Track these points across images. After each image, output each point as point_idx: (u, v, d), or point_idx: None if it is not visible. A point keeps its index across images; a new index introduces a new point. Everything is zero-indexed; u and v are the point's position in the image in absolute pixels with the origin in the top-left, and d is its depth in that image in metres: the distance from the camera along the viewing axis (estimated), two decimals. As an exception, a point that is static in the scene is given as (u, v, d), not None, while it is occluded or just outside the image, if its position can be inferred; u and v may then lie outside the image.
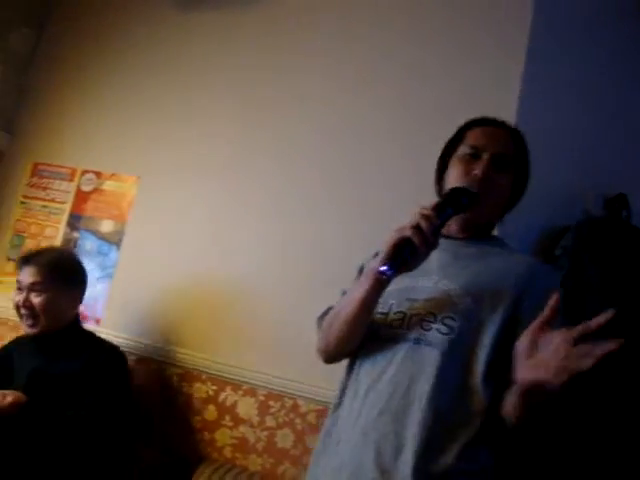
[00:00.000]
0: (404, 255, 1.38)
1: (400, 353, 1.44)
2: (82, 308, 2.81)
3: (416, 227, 1.38)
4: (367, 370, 1.50)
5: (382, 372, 1.46)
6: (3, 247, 3.19)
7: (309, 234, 2.58)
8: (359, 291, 1.48)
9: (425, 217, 1.39)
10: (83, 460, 2.14)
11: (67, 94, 3.31)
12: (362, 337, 1.54)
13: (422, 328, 1.44)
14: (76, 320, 2.42)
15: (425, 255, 1.41)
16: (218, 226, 2.77)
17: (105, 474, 2.23)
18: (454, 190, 1.51)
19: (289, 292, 2.56)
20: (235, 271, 2.68)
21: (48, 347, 2.28)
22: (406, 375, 1.41)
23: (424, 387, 1.38)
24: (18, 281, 2.30)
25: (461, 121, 1.72)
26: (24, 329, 2.32)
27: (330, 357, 1.65)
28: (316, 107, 2.72)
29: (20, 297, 2.27)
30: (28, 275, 2.27)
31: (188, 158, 2.91)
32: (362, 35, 2.70)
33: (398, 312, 1.49)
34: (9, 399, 1.99)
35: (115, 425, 2.21)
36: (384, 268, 1.39)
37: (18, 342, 2.43)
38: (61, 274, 2.32)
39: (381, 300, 1.49)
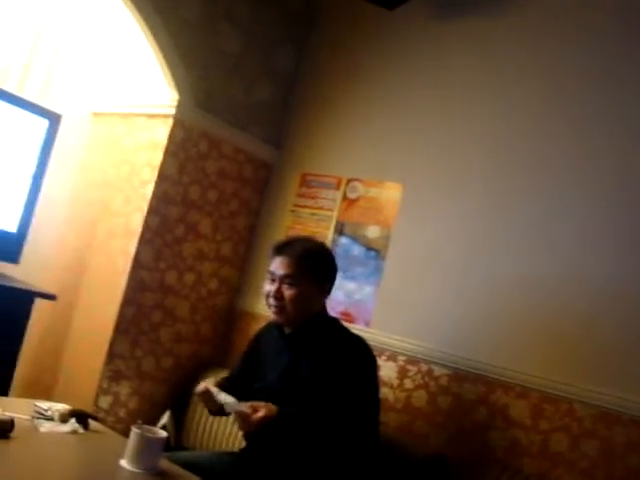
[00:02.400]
0: None
1: None
2: (350, 309, 3.26)
3: None
4: None
5: None
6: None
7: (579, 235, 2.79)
8: None
9: None
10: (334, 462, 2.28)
11: (330, 107, 3.78)
12: None
13: None
14: (322, 311, 2.47)
15: None
16: (483, 231, 3.04)
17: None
18: None
19: (569, 293, 2.77)
20: (504, 274, 2.93)
21: (297, 344, 2.38)
22: None
23: None
24: (271, 272, 2.38)
25: None
26: (271, 316, 2.44)
27: None
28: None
29: (272, 288, 2.35)
30: (280, 266, 2.36)
31: (452, 166, 3.22)
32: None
33: None
34: (261, 414, 2.08)
35: (364, 425, 2.29)
36: None
37: (269, 331, 2.57)
38: (313, 267, 2.38)
39: None
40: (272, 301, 2.35)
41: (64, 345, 3.49)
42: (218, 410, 2.35)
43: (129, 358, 3.38)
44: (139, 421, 2.02)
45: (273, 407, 2.13)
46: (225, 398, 2.18)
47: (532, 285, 2.85)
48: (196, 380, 3.44)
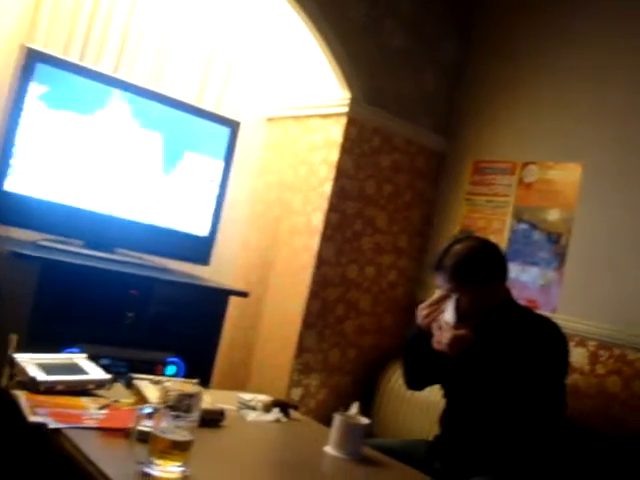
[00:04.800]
0: None
1: None
2: (534, 296, 3.20)
3: None
4: None
5: None
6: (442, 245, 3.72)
7: None
8: None
9: None
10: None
11: (498, 92, 3.72)
12: None
13: None
14: (507, 299, 2.41)
15: None
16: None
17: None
18: None
19: None
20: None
21: (482, 333, 2.28)
22: None
23: None
24: (439, 286, 2.35)
25: None
26: None
27: None
28: None
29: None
30: (443, 282, 2.31)
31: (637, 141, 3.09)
32: None
33: None
34: (462, 332, 2.15)
35: (548, 409, 2.28)
36: None
37: None
38: (473, 272, 2.32)
39: None
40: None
41: (255, 340, 3.67)
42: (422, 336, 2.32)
43: (316, 351, 3.51)
44: (341, 407, 2.10)
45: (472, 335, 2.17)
46: (450, 313, 2.21)
47: None
48: (381, 370, 3.53)
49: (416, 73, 3.78)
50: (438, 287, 2.33)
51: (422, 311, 2.34)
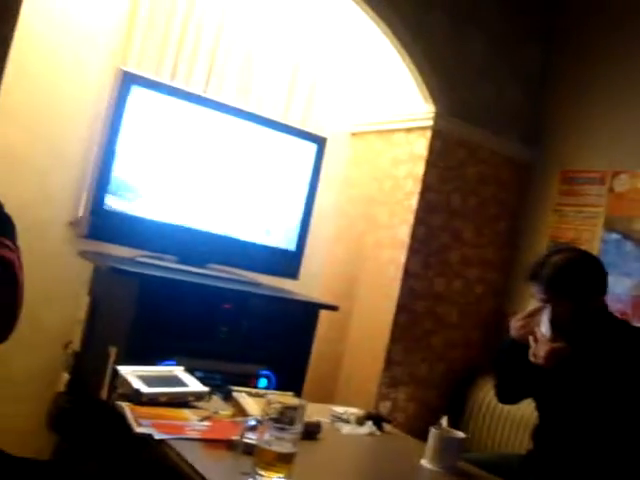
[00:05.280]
0: None
1: None
2: (627, 307, 3.11)
3: None
4: None
5: None
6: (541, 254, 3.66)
7: None
8: None
9: None
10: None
11: (586, 100, 3.63)
12: None
13: None
14: (603, 312, 2.33)
15: None
16: None
17: None
18: None
19: None
20: None
21: (580, 343, 2.23)
22: None
23: None
24: (533, 295, 2.31)
25: None
26: None
27: None
28: None
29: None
30: (538, 292, 2.27)
31: None
32: None
33: None
34: (557, 344, 2.10)
35: None
36: None
37: None
38: (567, 286, 2.24)
39: None
40: None
41: (342, 353, 3.68)
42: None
43: (404, 364, 3.50)
44: (443, 418, 2.09)
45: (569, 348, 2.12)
46: (546, 325, 2.16)
47: None
48: (469, 384, 3.49)
49: (499, 83, 3.74)
50: (532, 296, 2.29)
51: (517, 322, 2.31)
